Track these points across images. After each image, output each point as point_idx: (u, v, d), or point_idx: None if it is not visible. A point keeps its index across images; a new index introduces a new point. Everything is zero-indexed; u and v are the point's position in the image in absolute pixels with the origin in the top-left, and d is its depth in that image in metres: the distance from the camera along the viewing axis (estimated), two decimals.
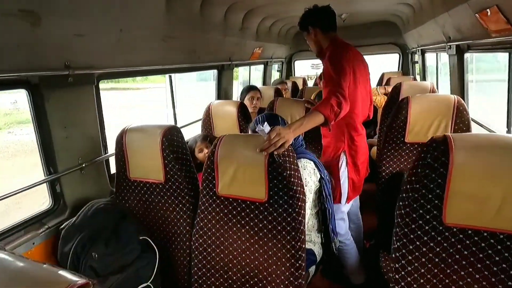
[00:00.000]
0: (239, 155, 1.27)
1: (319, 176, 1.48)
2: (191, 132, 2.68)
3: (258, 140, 1.22)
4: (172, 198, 1.46)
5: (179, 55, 2.04)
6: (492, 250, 0.86)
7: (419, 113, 1.77)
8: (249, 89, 2.72)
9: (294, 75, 5.16)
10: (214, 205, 1.34)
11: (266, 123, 1.19)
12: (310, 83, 5.05)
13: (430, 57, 3.71)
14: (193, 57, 2.22)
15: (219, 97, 2.90)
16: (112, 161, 1.64)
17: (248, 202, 1.28)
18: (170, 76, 2.12)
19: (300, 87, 4.24)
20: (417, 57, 4.00)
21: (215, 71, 2.82)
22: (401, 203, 0.97)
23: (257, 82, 4.43)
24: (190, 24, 2.00)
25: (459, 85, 2.18)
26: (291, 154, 1.23)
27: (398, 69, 4.62)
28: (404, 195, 0.95)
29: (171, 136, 1.43)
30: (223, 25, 2.41)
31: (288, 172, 1.20)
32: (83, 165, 1.48)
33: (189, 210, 1.44)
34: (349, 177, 1.72)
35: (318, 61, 5.41)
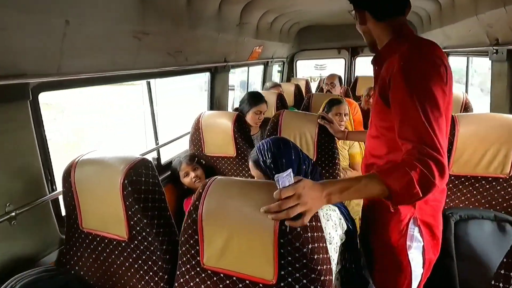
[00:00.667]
0: (235, 213, 0.84)
1: (345, 227, 1.07)
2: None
3: (266, 192, 0.80)
4: (140, 262, 1.03)
5: (160, 56, 1.60)
6: None
7: (469, 137, 1.36)
8: (257, 101, 2.25)
9: (296, 76, 4.74)
10: (197, 280, 0.92)
11: (290, 171, 0.75)
12: (313, 86, 4.64)
13: (453, 62, 3.31)
14: (178, 58, 1.78)
15: (211, 106, 2.46)
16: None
17: (247, 282, 0.86)
18: (148, 83, 1.69)
19: (303, 88, 3.82)
20: None
21: (208, 74, 2.38)
22: None
23: (254, 85, 4.00)
24: (174, 18, 1.56)
25: (509, 98, 1.78)
26: (318, 219, 0.81)
27: None
28: None
29: (137, 175, 1.00)
30: (217, 19, 1.97)
31: (310, 246, 0.78)
32: (14, 213, 1.04)
33: (162, 281, 1.01)
34: (425, 258, 1.09)
35: (322, 62, 4.99)
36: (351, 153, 2.31)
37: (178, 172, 1.82)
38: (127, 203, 0.98)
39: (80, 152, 1.12)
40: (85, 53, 1.14)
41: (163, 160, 1.98)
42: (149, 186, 1.02)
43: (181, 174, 1.82)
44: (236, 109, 2.43)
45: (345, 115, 2.27)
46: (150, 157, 1.88)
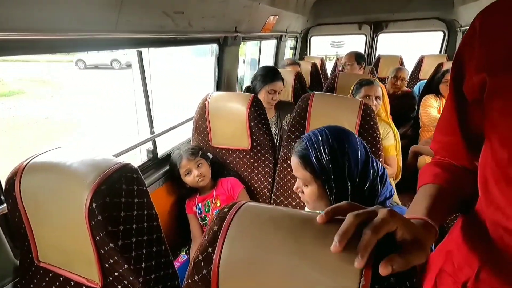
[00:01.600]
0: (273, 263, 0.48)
1: None
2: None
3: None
4: None
5: (153, 17, 1.19)
6: None
7: None
8: (272, 77, 1.86)
9: (310, 54, 4.26)
10: None
11: None
12: (329, 65, 4.17)
13: None
14: (179, 22, 1.36)
15: (219, 86, 2.05)
16: None
17: None
18: (139, 53, 1.27)
19: (309, 66, 3.35)
20: None
21: (215, 46, 1.95)
22: None
23: (266, 61, 3.55)
24: None
25: None
26: None
27: (441, 52, 3.75)
28: None
29: (113, 193, 0.63)
30: None
31: None
32: None
33: None
34: None
35: (340, 38, 4.49)
36: (385, 145, 1.93)
37: (178, 168, 1.46)
38: (97, 238, 0.62)
39: (76, 134, 0.74)
40: (35, 2, 0.73)
41: (161, 152, 1.61)
42: (133, 211, 0.66)
43: (181, 171, 1.45)
44: (247, 89, 2.03)
45: (377, 99, 1.88)
46: (144, 149, 1.51)
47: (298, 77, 2.32)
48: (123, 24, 1.06)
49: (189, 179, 1.46)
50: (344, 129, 0.85)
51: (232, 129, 1.53)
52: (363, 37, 3.96)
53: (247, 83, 2.95)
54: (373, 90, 1.87)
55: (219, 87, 2.04)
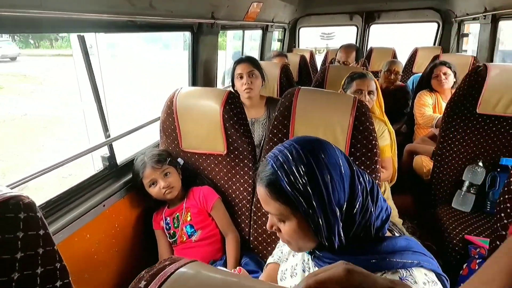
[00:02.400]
0: None
1: None
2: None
3: None
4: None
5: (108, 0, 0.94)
6: None
7: None
8: (238, 60, 1.67)
9: (299, 46, 4.03)
10: None
11: None
12: (319, 58, 3.96)
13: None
14: (137, 3, 1.12)
15: (194, 81, 1.81)
16: None
17: None
18: (81, 38, 1.01)
19: (298, 58, 3.12)
20: (468, 28, 2.98)
21: (187, 34, 1.70)
22: None
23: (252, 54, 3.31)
24: None
25: None
26: None
27: (435, 44, 3.59)
28: None
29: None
30: None
31: None
32: None
33: None
34: None
35: (330, 30, 4.28)
36: (380, 146, 1.73)
37: (141, 178, 1.22)
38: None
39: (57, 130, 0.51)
40: None
41: (122, 158, 1.37)
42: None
43: (145, 182, 1.22)
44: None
45: (370, 93, 1.68)
46: (99, 155, 1.27)
47: (285, 70, 2.09)
48: (66, 3, 0.82)
49: (154, 191, 1.24)
50: (317, 139, 0.64)
51: (204, 130, 1.31)
52: (354, 28, 3.77)
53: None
54: (366, 84, 1.67)
55: (194, 83, 1.80)
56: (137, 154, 1.39)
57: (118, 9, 1.08)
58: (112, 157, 1.27)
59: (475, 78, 1.63)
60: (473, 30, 3.16)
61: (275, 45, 3.85)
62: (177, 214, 1.30)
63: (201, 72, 1.83)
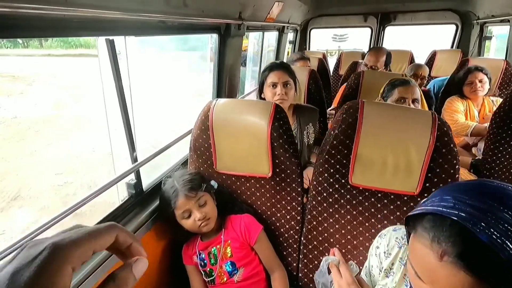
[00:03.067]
0: None
1: None
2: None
3: None
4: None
5: None
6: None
7: None
8: (270, 67, 1.49)
9: (309, 48, 3.87)
10: None
11: None
12: (331, 62, 3.80)
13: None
14: (174, 4, 0.93)
15: (219, 89, 1.61)
16: None
17: None
18: (111, 42, 0.81)
19: (316, 63, 2.94)
20: (493, 31, 2.86)
21: (214, 37, 1.51)
22: None
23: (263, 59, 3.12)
24: None
25: None
26: None
27: (453, 46, 3.46)
28: None
29: None
30: None
31: None
32: None
33: None
34: None
35: (342, 31, 4.12)
36: None
37: (172, 209, 1.03)
38: None
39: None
40: None
41: (148, 182, 1.17)
42: None
43: (177, 213, 1.03)
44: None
45: (414, 102, 1.51)
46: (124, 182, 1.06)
47: (313, 75, 1.92)
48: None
49: (188, 223, 1.04)
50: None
51: (246, 150, 1.12)
52: (369, 30, 3.62)
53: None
54: (410, 91, 1.50)
55: (219, 91, 1.61)
56: (163, 176, 1.20)
57: (150, 7, 0.89)
58: (138, 183, 1.07)
59: None
60: (495, 33, 3.05)
61: (286, 47, 3.66)
62: (214, 248, 1.11)
63: (227, 80, 1.64)
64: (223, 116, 1.12)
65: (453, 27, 3.38)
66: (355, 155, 1.00)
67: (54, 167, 5.58)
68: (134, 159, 1.03)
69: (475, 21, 3.04)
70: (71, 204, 0.84)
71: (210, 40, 1.55)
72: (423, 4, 3.25)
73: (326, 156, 1.04)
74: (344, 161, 1.03)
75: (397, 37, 3.69)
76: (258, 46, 3.01)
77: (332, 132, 1.03)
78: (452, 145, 0.92)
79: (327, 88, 2.84)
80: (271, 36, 3.01)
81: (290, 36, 3.66)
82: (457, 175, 0.94)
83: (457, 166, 0.93)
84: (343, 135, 1.00)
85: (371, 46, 3.63)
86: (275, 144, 1.07)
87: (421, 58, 3.47)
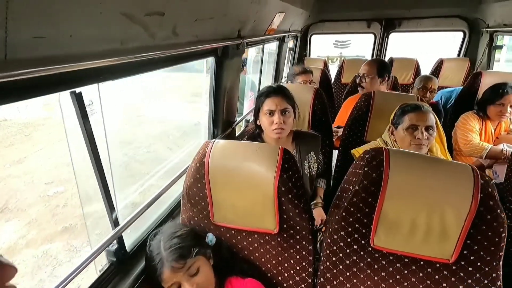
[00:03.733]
0: None
1: None
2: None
3: None
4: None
5: (116, 23, 0.57)
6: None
7: None
8: (266, 92, 1.31)
9: (310, 55, 3.69)
10: None
11: None
12: (333, 69, 3.63)
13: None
14: (158, 31, 0.75)
15: (216, 115, 1.44)
16: None
17: None
18: (77, 96, 0.64)
19: (318, 74, 2.77)
20: (502, 40, 2.71)
21: (210, 60, 1.33)
22: None
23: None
24: None
25: None
26: None
27: (460, 55, 3.32)
28: None
29: None
30: None
31: None
32: None
33: None
34: None
35: (344, 37, 3.94)
36: None
37: (159, 279, 0.86)
38: None
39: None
40: None
41: (131, 241, 1.00)
42: None
43: (164, 286, 0.86)
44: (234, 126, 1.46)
45: (428, 129, 1.35)
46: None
47: (318, 95, 1.75)
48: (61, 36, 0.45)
49: None
50: None
51: (248, 202, 0.95)
52: (372, 36, 3.46)
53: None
54: (422, 118, 1.35)
55: (216, 117, 1.43)
56: (149, 233, 1.02)
57: (130, 45, 0.71)
58: (121, 247, 0.90)
59: None
60: (506, 42, 2.91)
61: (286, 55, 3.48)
62: None
63: (224, 104, 1.46)
64: (221, 162, 0.95)
65: (461, 34, 3.23)
66: (378, 215, 0.84)
67: (44, 176, 5.35)
68: (114, 222, 0.86)
69: (484, 29, 2.89)
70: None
71: (205, 64, 1.37)
72: (430, 10, 3.10)
73: (344, 214, 0.88)
74: (365, 220, 0.87)
75: (401, 44, 3.53)
76: (258, 54, 2.84)
77: (351, 188, 0.87)
78: (499, 211, 0.77)
79: (330, 100, 2.67)
80: (271, 45, 2.83)
81: (290, 43, 3.49)
82: (502, 244, 0.79)
83: (503, 235, 0.78)
84: (365, 193, 0.84)
85: (374, 53, 3.47)
86: (283, 199, 0.91)
87: (426, 66, 3.32)
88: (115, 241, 0.89)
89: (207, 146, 0.98)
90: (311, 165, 1.44)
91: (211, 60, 1.33)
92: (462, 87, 2.54)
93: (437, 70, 3.13)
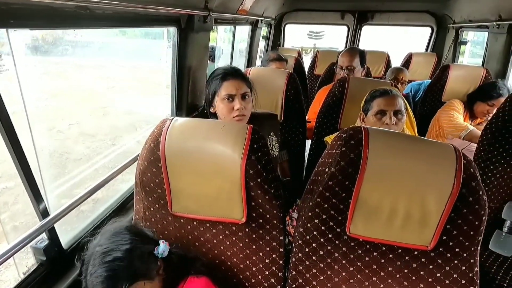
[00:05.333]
0: None
1: None
2: None
3: None
4: None
5: None
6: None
7: None
8: (224, 74, 1.15)
9: (283, 44, 3.61)
10: None
11: None
12: (307, 60, 3.58)
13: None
14: None
15: (180, 96, 1.29)
16: None
17: None
18: None
19: (292, 63, 2.69)
20: (467, 36, 2.81)
21: (172, 31, 1.18)
22: None
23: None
24: None
25: None
26: None
27: (428, 50, 3.41)
28: None
29: None
30: None
31: None
32: None
33: None
34: None
35: (318, 28, 3.91)
36: None
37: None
38: None
39: None
40: None
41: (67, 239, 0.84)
42: None
43: None
44: (202, 110, 1.32)
45: (396, 114, 1.32)
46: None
47: (292, 80, 1.66)
48: None
49: None
50: None
51: (212, 189, 0.83)
52: (345, 28, 3.45)
53: None
54: (390, 103, 1.31)
55: (180, 99, 1.28)
56: (95, 226, 0.86)
57: None
58: (53, 244, 0.73)
59: None
60: (470, 38, 3.02)
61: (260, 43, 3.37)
62: None
63: (189, 83, 1.32)
64: (180, 142, 0.82)
65: (429, 29, 3.31)
66: (355, 199, 0.76)
67: None
68: (42, 213, 0.69)
69: (451, 25, 2.99)
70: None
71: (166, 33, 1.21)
72: (401, 4, 3.14)
73: (318, 199, 0.79)
74: (341, 206, 0.79)
75: (374, 37, 3.56)
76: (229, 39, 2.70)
77: (327, 170, 0.78)
78: (481, 192, 0.72)
79: (304, 91, 2.61)
80: (244, 29, 2.70)
81: (264, 31, 3.38)
82: (482, 227, 0.75)
83: (484, 218, 0.73)
84: (342, 175, 0.75)
85: (347, 45, 3.47)
86: (251, 183, 0.80)
87: (397, 60, 3.38)
88: (45, 237, 0.72)
89: (164, 124, 0.84)
90: (273, 147, 1.34)
91: (173, 31, 1.17)
92: (430, 80, 2.60)
93: (406, 64, 3.19)
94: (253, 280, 0.91)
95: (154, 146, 0.83)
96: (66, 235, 0.81)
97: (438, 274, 0.79)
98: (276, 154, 1.35)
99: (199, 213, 0.88)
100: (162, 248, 0.77)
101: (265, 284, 0.90)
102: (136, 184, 0.90)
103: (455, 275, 0.78)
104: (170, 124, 0.84)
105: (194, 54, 1.30)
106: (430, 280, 0.79)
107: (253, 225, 0.86)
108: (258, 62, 3.04)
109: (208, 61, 1.62)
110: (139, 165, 0.86)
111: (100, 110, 6.73)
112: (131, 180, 1.18)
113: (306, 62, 3.52)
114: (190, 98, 1.39)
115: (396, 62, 3.36)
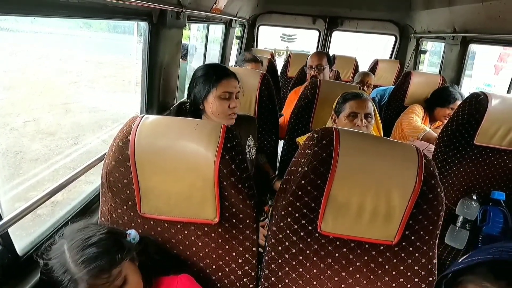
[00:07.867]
0: None
1: None
2: None
3: None
4: None
5: None
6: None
7: None
8: (221, 72, 1.17)
9: (257, 46, 3.64)
10: None
11: None
12: (279, 62, 3.63)
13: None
14: None
15: (150, 95, 1.24)
16: None
17: None
18: None
19: (266, 64, 2.73)
20: (427, 45, 3.02)
21: (143, 26, 1.13)
22: None
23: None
24: None
25: None
26: None
27: (392, 57, 3.62)
28: None
29: None
30: None
31: None
32: None
33: None
34: None
35: (291, 31, 3.99)
36: None
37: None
38: None
39: None
40: None
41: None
42: None
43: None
44: (180, 104, 1.31)
45: (367, 117, 1.40)
46: None
47: (265, 81, 1.67)
48: None
49: None
50: None
51: (183, 189, 0.81)
52: (317, 32, 3.55)
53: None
54: (361, 105, 1.40)
55: (150, 98, 1.24)
56: (55, 230, 0.80)
57: None
58: (8, 250, 0.67)
59: (476, 107, 1.49)
60: (429, 48, 3.26)
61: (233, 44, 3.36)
62: None
63: (161, 81, 1.28)
64: (150, 141, 0.79)
65: (393, 38, 3.52)
66: (327, 197, 0.78)
67: None
68: None
69: (412, 35, 3.20)
70: None
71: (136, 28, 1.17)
72: (368, 12, 3.31)
73: (291, 198, 0.81)
74: (313, 205, 0.81)
75: (344, 43, 3.72)
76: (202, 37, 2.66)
77: (299, 169, 0.79)
78: (439, 190, 0.77)
79: (277, 92, 2.65)
80: (217, 29, 2.68)
81: (238, 31, 3.37)
82: (440, 222, 0.81)
83: (441, 213, 0.79)
84: (314, 174, 0.77)
85: (318, 49, 3.58)
86: (225, 183, 0.79)
87: (364, 65, 3.55)
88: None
89: (133, 121, 0.81)
90: (251, 149, 1.36)
91: (144, 26, 1.13)
92: (393, 86, 2.77)
93: (373, 70, 3.36)
94: (226, 281, 0.90)
95: (123, 144, 0.79)
96: (21, 241, 0.74)
97: (401, 267, 0.84)
98: (253, 157, 1.36)
99: (170, 214, 0.85)
100: (134, 234, 0.78)
101: (238, 284, 0.90)
102: (102, 185, 0.85)
103: (416, 267, 0.83)
104: (140, 122, 0.80)
105: (166, 50, 1.27)
106: (394, 273, 0.84)
107: (226, 225, 0.86)
108: (231, 62, 3.04)
109: (181, 59, 1.60)
110: (106, 164, 0.82)
111: (61, 106, 6.28)
112: (96, 181, 1.12)
113: (279, 64, 3.58)
114: (161, 96, 1.35)
115: (364, 67, 3.54)
